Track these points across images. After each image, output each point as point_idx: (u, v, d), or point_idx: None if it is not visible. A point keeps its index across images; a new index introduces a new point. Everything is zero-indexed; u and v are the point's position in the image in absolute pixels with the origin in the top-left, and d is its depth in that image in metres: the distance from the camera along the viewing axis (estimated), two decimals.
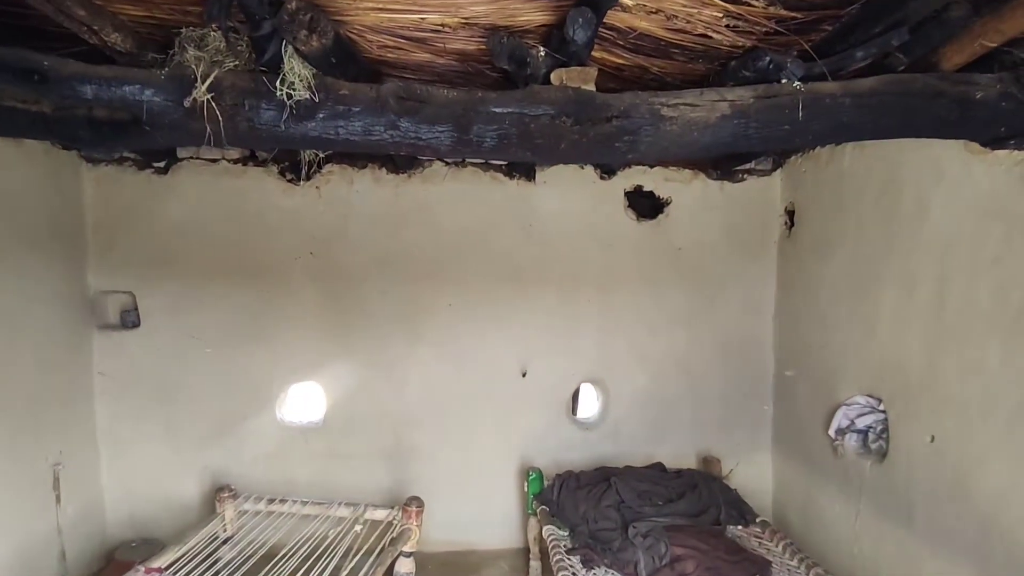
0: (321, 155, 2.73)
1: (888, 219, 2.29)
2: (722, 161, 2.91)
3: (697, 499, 2.43)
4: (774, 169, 3.04)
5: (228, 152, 2.78)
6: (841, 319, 2.54)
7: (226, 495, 2.41)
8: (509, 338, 2.98)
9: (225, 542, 2.26)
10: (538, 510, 2.56)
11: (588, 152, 1.57)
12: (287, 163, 2.82)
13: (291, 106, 1.46)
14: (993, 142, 1.76)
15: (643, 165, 2.98)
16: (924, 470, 2.09)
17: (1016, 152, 1.72)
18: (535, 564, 2.70)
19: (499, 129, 1.52)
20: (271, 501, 2.44)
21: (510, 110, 1.51)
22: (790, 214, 2.96)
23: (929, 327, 2.07)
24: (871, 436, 2.39)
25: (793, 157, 2.92)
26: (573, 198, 2.98)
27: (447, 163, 2.90)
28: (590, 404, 3.24)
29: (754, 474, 3.07)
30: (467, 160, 2.89)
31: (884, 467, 2.28)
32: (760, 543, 2.28)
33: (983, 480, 1.86)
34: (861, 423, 2.41)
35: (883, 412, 2.31)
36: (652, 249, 3.03)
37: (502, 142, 1.55)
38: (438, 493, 2.87)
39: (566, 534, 2.31)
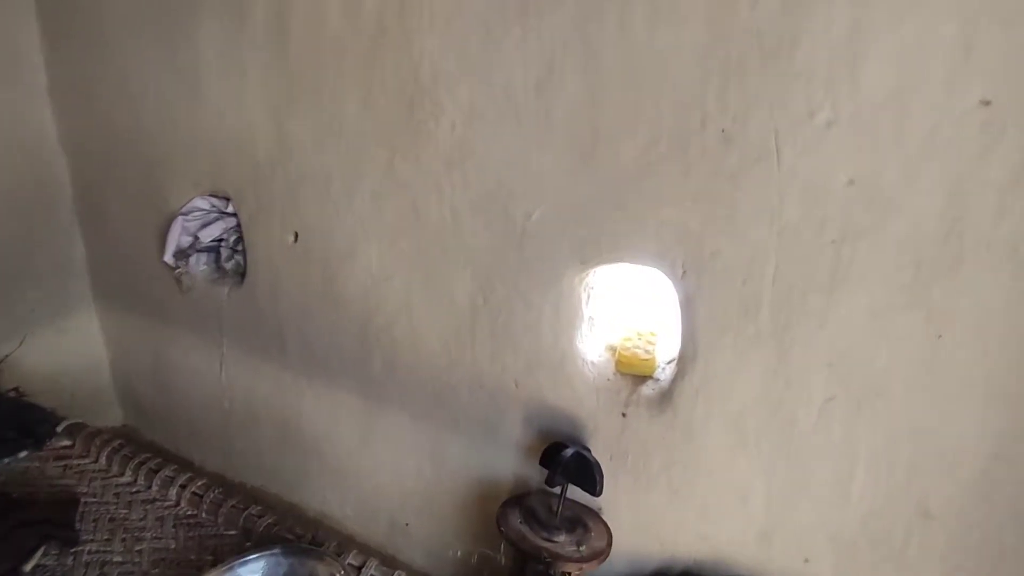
0: None
1: None
2: None
3: None
4: None
5: None
6: (154, 81, 1.60)
7: None
8: None
9: None
10: None
11: None
12: None
13: None
14: None
15: None
16: (295, 279, 1.53)
17: None
18: None
19: None
20: None
21: None
22: None
23: (272, 75, 1.39)
24: (224, 252, 1.68)
25: None
26: None
27: None
28: None
29: (74, 346, 1.99)
30: None
31: (245, 289, 1.63)
32: (68, 467, 1.32)
33: (354, 274, 1.41)
34: (207, 236, 1.65)
35: (233, 215, 1.61)
36: None
37: None
38: None
39: None
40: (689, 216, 0.99)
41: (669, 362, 1.21)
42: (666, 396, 1.12)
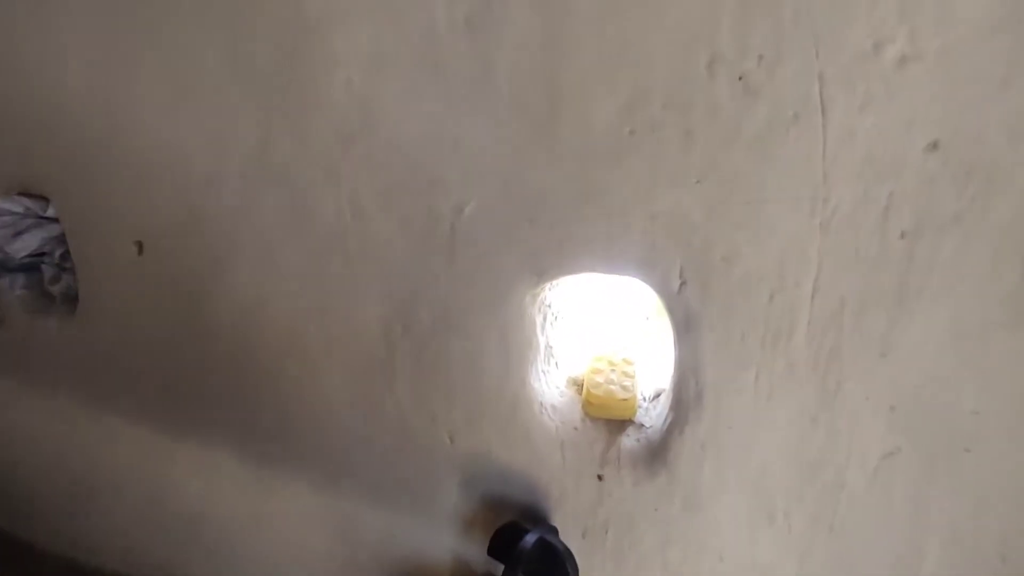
0: None
1: None
2: None
3: None
4: None
5: None
6: None
7: None
8: None
9: None
10: None
11: None
12: None
13: None
14: None
15: None
16: (148, 304, 1.13)
17: None
18: None
19: None
20: None
21: None
22: None
23: (98, 18, 0.98)
24: (48, 271, 1.24)
25: None
26: None
27: None
28: None
29: None
30: None
31: (80, 319, 1.20)
32: None
33: (226, 295, 1.04)
34: (21, 251, 1.21)
35: (56, 220, 1.18)
36: None
37: None
38: None
39: None
40: (691, 205, 0.70)
41: (654, 398, 0.92)
42: (658, 451, 0.82)
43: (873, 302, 0.65)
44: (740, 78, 0.64)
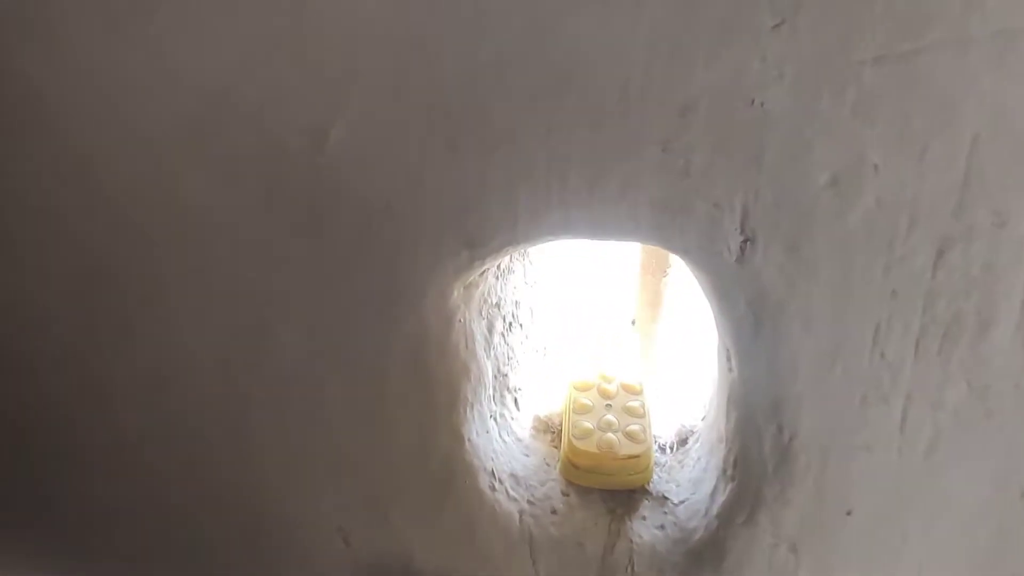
0: None
1: None
2: None
3: None
4: None
5: None
6: None
7: None
8: None
9: None
10: None
11: None
12: None
13: None
14: None
15: None
16: None
17: None
18: None
19: None
20: None
21: None
22: None
23: None
24: None
25: None
26: None
27: None
28: None
29: None
30: None
31: None
32: None
33: None
34: None
35: None
36: None
37: None
38: None
39: None
40: (764, 75, 0.34)
41: (679, 446, 0.56)
42: (704, 550, 0.46)
43: None
44: None
